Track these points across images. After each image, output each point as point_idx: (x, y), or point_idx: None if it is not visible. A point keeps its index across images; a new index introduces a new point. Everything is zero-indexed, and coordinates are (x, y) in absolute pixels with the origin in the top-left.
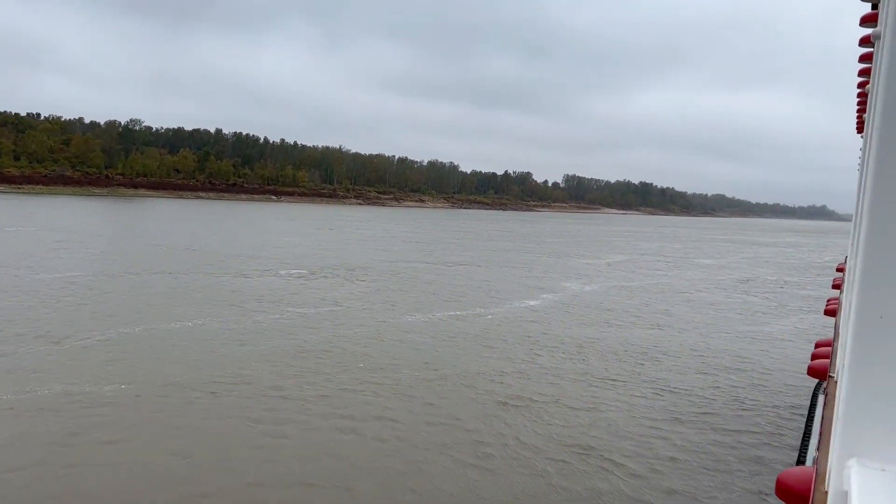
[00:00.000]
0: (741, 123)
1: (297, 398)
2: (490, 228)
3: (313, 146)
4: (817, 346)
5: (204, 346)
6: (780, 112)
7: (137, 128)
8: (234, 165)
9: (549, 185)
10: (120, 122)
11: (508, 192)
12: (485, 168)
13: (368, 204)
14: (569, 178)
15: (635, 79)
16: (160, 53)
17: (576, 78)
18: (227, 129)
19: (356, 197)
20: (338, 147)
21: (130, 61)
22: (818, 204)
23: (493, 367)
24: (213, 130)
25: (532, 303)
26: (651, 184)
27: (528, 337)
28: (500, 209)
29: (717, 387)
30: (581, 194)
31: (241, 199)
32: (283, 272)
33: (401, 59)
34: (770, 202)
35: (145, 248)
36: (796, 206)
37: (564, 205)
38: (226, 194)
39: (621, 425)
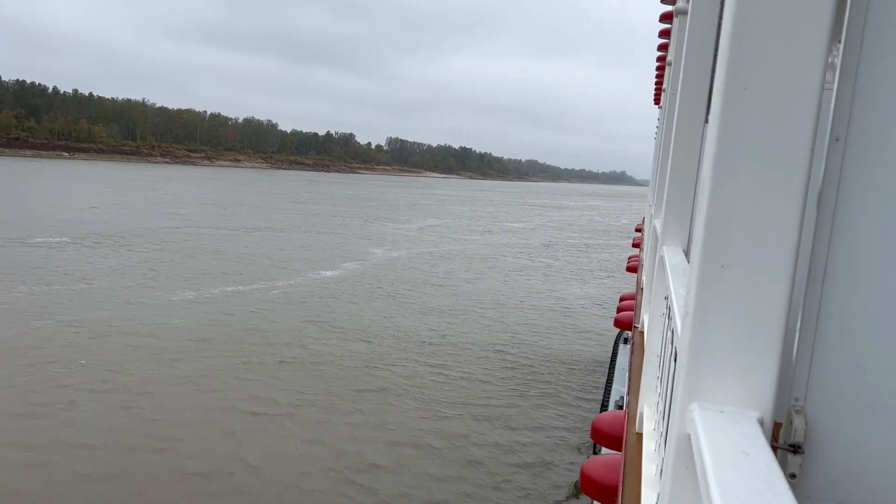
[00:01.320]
0: (550, 91)
1: None
2: (306, 190)
3: (112, 98)
4: (621, 299)
5: None
6: (584, 81)
7: None
8: (16, 117)
9: (373, 147)
10: None
11: (331, 153)
12: (306, 128)
13: (177, 163)
14: (392, 141)
15: (450, 41)
16: None
17: (391, 37)
18: (7, 77)
19: (163, 155)
20: (141, 100)
21: None
22: (618, 170)
23: (254, 358)
24: None
25: (329, 273)
26: (470, 149)
27: (309, 316)
28: (322, 171)
29: (523, 354)
30: (404, 157)
31: (26, 156)
32: (36, 240)
33: (205, 5)
34: (577, 168)
35: None
36: (600, 171)
37: (388, 168)
38: (6, 150)
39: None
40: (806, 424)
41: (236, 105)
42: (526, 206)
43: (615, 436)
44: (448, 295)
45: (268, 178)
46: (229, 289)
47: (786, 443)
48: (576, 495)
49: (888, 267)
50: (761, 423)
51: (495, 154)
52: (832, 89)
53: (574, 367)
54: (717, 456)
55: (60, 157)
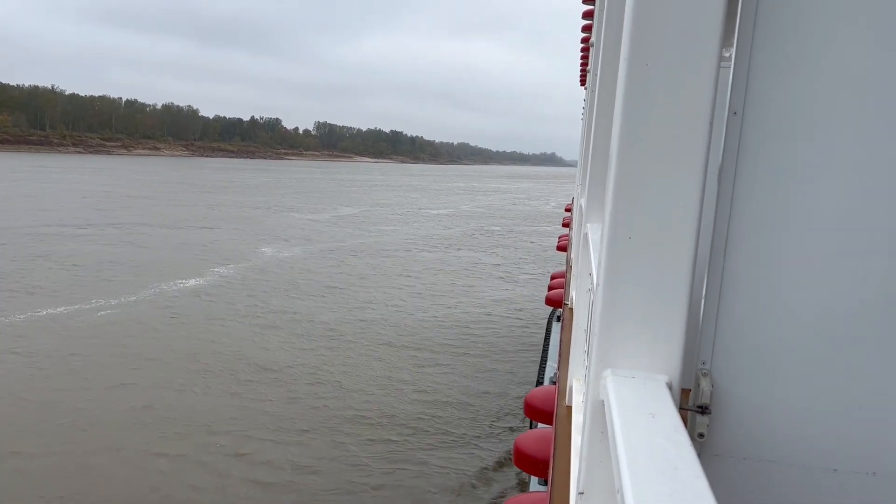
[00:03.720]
0: (478, 73)
1: None
2: (217, 179)
3: (17, 85)
4: (552, 277)
5: None
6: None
7: None
8: None
9: (301, 132)
10: None
11: (256, 139)
12: (230, 113)
13: (90, 152)
14: (320, 126)
15: (367, 20)
16: None
17: (304, 17)
18: None
19: (75, 144)
20: (50, 87)
21: None
22: (549, 151)
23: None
24: None
25: (190, 282)
26: (401, 132)
27: (127, 350)
28: (247, 157)
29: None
30: (334, 142)
31: None
32: None
33: None
34: (508, 150)
35: None
36: (531, 153)
37: (317, 153)
38: None
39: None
40: (712, 387)
41: (154, 91)
42: (454, 191)
43: (546, 410)
44: (335, 308)
45: (184, 166)
46: (44, 311)
47: (694, 404)
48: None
49: (786, 235)
50: (670, 386)
51: (427, 138)
52: (729, 66)
53: (507, 352)
54: (626, 418)
55: None
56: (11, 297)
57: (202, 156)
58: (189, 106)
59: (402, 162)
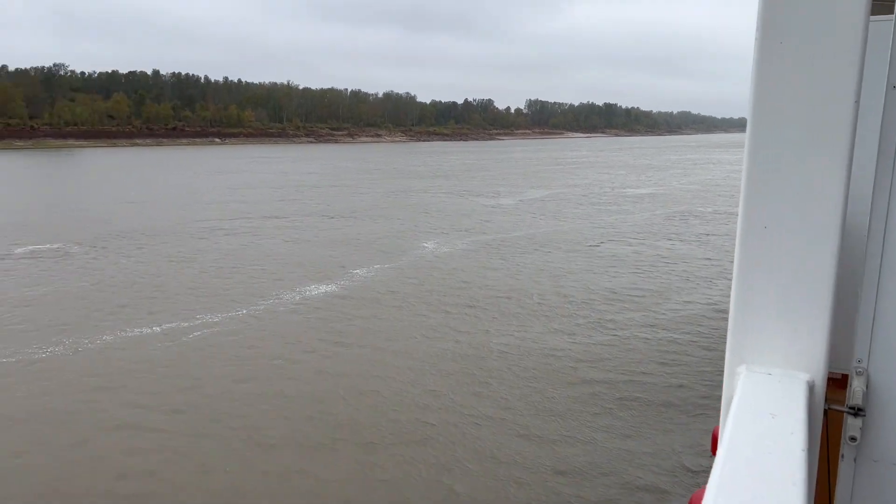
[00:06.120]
0: (693, 35)
1: None
2: (422, 162)
3: (259, 83)
4: None
5: None
6: (737, 21)
7: (62, 72)
8: (173, 108)
9: (513, 111)
10: (44, 68)
11: (469, 121)
12: (445, 97)
13: (320, 142)
14: (532, 104)
15: None
16: None
17: None
18: (166, 71)
19: (307, 135)
20: (286, 83)
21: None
22: None
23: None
24: (150, 72)
25: (323, 289)
26: (615, 104)
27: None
28: (461, 140)
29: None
30: (545, 119)
31: (182, 144)
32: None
33: None
34: (736, 117)
35: None
36: None
37: (528, 131)
38: (165, 139)
39: None
40: (867, 386)
41: (375, 80)
42: (665, 165)
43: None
44: (478, 328)
45: (395, 152)
46: (153, 328)
47: (846, 405)
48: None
49: None
50: (811, 385)
51: (643, 108)
52: (889, 34)
53: None
54: (741, 418)
55: (213, 143)
56: (191, 295)
57: (418, 140)
58: (407, 93)
59: (616, 135)
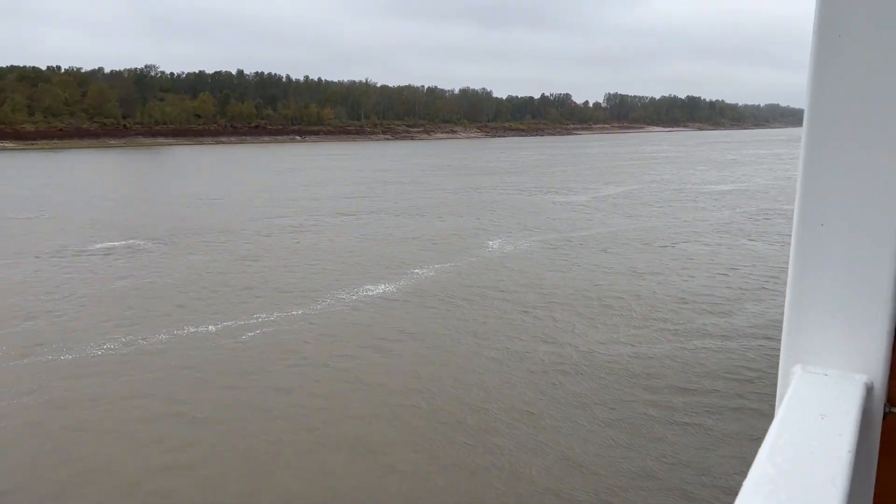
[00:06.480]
0: (781, 23)
1: None
2: (495, 158)
3: (339, 81)
4: None
5: None
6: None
7: (153, 73)
8: (256, 107)
9: (591, 105)
10: (137, 70)
11: (546, 116)
12: (521, 92)
13: (396, 139)
14: (611, 97)
15: None
16: None
17: None
18: (249, 70)
19: (384, 132)
20: (364, 81)
21: (126, 5)
22: None
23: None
24: (234, 72)
25: (381, 288)
26: (699, 97)
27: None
28: (536, 135)
29: None
30: (624, 113)
31: (264, 142)
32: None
33: None
34: None
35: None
36: None
37: (606, 126)
38: (248, 137)
39: None
40: None
41: (451, 77)
42: (749, 160)
43: None
44: (542, 333)
45: (469, 147)
46: (196, 328)
47: None
48: None
49: None
50: (869, 387)
51: (728, 101)
52: None
53: None
54: (789, 418)
55: (293, 140)
56: (246, 294)
57: (494, 136)
58: (483, 88)
59: (700, 129)
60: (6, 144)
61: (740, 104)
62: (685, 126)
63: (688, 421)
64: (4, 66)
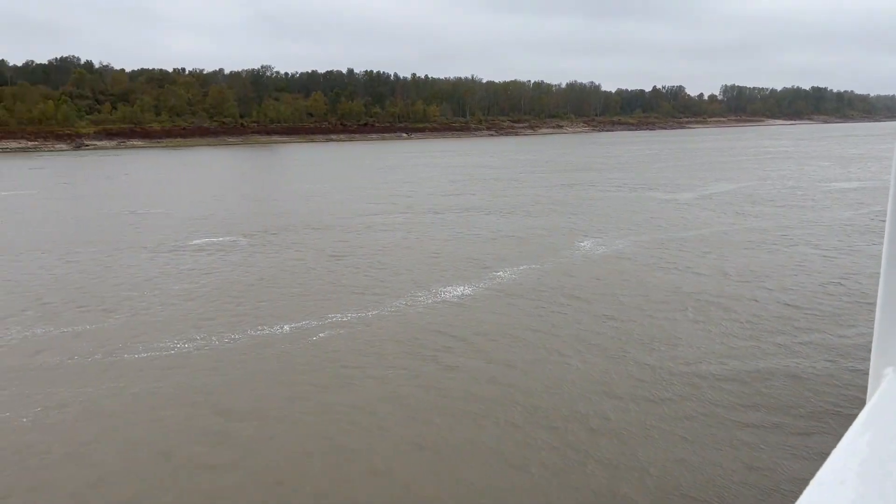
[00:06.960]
0: None
1: None
2: (599, 153)
3: (445, 78)
4: None
5: None
6: None
7: (269, 73)
8: (365, 105)
9: (706, 98)
10: (254, 70)
11: (658, 109)
12: (631, 85)
13: (501, 134)
14: (727, 89)
15: None
16: None
17: None
18: (359, 69)
19: (488, 128)
20: (470, 77)
21: (239, 8)
22: None
23: None
24: (345, 71)
25: (459, 290)
26: (825, 88)
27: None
28: (647, 129)
29: None
30: (742, 106)
31: (372, 139)
32: (194, 241)
33: None
34: None
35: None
36: None
37: (722, 119)
38: (356, 135)
39: None
40: None
41: (557, 71)
42: (880, 154)
43: None
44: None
45: (575, 142)
46: (265, 330)
47: None
48: None
49: None
50: None
51: (858, 92)
52: None
53: None
54: (872, 417)
55: (400, 137)
56: (326, 293)
57: (601, 130)
58: (591, 82)
59: (825, 122)
60: (135, 143)
61: (872, 95)
62: (809, 119)
63: (780, 442)
64: (136, 69)
